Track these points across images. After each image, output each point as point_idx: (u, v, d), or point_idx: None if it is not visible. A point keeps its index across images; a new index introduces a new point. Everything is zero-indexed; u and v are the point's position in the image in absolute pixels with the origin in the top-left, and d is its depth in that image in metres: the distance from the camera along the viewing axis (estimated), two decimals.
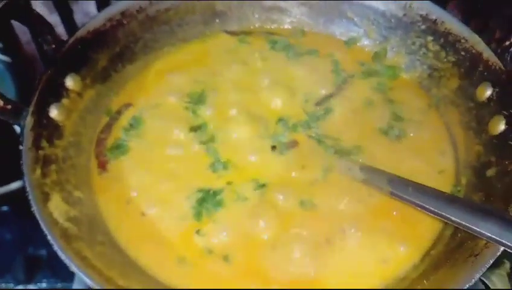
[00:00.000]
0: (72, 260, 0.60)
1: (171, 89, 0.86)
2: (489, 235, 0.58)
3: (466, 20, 0.90)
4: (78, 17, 1.10)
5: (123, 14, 0.86)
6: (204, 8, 0.94)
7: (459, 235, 0.68)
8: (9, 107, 0.68)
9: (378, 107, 0.85)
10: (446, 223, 0.70)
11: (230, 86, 0.87)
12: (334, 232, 0.70)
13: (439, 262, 0.66)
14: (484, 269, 0.59)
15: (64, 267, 0.60)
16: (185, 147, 0.79)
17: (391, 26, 0.92)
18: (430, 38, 0.87)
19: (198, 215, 0.72)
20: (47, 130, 0.72)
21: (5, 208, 1.04)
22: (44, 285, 0.96)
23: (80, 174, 0.74)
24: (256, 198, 0.73)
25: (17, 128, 0.93)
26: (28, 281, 0.95)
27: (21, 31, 1.04)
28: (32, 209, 0.63)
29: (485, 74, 0.78)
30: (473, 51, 0.81)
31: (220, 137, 0.80)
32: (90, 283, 0.59)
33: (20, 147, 0.67)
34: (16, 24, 0.75)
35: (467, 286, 0.59)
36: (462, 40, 0.82)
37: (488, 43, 0.80)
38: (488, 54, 0.78)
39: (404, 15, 0.89)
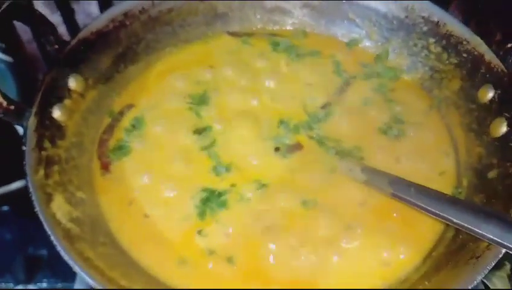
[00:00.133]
0: (75, 260, 0.60)
1: (173, 90, 0.86)
2: (491, 237, 0.58)
3: (466, 22, 0.90)
4: (80, 18, 1.10)
5: (126, 15, 0.86)
6: (207, 9, 0.94)
7: (460, 237, 0.68)
8: (12, 107, 0.68)
9: (379, 109, 0.85)
10: (447, 224, 0.70)
11: (233, 87, 0.87)
12: (335, 233, 0.70)
13: (440, 264, 0.67)
14: (486, 271, 0.59)
15: (65, 267, 0.60)
16: (188, 149, 0.79)
17: (393, 28, 0.91)
18: (432, 40, 0.87)
19: (202, 214, 0.72)
20: (50, 130, 0.72)
21: (5, 208, 1.04)
22: (44, 285, 0.95)
23: (82, 175, 0.74)
24: (259, 199, 0.73)
25: (19, 128, 0.94)
26: (28, 281, 0.95)
27: (22, 30, 1.04)
28: (36, 209, 0.63)
29: (487, 76, 0.78)
30: (475, 53, 0.81)
31: (223, 139, 0.80)
32: (92, 283, 0.59)
33: (24, 148, 0.67)
34: (17, 23, 0.75)
35: (469, 287, 0.59)
36: (464, 42, 0.83)
37: (488, 45, 0.80)
38: (490, 56, 0.79)
39: (406, 17, 0.89)
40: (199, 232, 0.70)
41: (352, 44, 0.95)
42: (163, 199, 0.74)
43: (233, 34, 0.96)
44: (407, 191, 0.68)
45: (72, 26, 1.08)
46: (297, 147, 0.79)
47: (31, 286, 0.95)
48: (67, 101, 0.76)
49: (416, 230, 0.71)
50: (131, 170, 0.77)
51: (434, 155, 0.80)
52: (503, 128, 0.73)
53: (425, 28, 0.88)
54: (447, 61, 0.86)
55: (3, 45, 1.00)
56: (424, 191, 0.68)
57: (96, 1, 1.07)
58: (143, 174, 0.76)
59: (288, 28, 0.98)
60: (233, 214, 0.72)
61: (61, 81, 0.76)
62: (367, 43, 0.95)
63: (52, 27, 0.77)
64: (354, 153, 0.79)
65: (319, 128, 0.82)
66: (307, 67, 0.90)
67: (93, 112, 0.81)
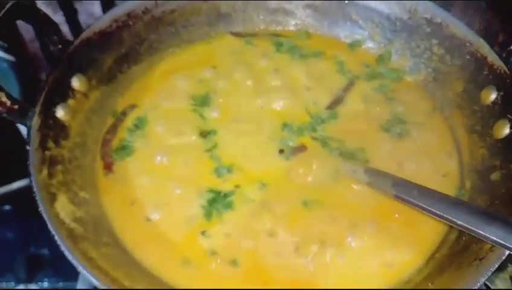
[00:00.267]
0: (79, 260, 0.60)
1: (175, 91, 0.86)
2: (494, 238, 0.58)
3: (469, 23, 0.90)
4: (82, 18, 1.10)
5: (129, 15, 0.86)
6: (210, 9, 0.94)
7: (463, 238, 0.68)
8: (16, 107, 0.67)
9: (382, 110, 0.85)
10: (451, 226, 0.70)
11: (236, 87, 0.87)
12: (338, 234, 0.70)
13: (443, 265, 0.67)
14: (489, 273, 0.59)
15: (66, 266, 0.60)
16: (190, 149, 0.79)
17: (396, 29, 0.91)
18: (435, 41, 0.87)
19: (208, 215, 0.72)
20: (53, 130, 0.72)
21: (7, 207, 1.04)
22: (45, 284, 0.96)
23: (86, 175, 0.74)
24: (261, 199, 0.73)
25: (21, 128, 0.94)
26: (30, 280, 0.96)
27: (24, 29, 1.04)
28: (39, 209, 0.63)
29: (490, 77, 0.78)
30: (478, 55, 0.81)
31: (226, 139, 0.80)
32: (96, 283, 0.59)
33: (27, 148, 0.67)
34: (19, 22, 0.75)
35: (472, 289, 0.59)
36: (467, 44, 0.83)
37: (491, 47, 0.80)
38: (493, 57, 0.79)
39: (409, 18, 0.89)
40: (203, 233, 0.70)
41: (355, 45, 0.95)
42: (166, 199, 0.74)
43: (236, 34, 0.96)
44: (411, 193, 0.68)
45: (75, 26, 1.08)
46: (301, 149, 0.79)
47: (32, 286, 0.95)
48: (70, 101, 0.76)
49: (419, 231, 0.71)
50: (134, 170, 0.77)
51: (437, 157, 0.80)
52: (506, 130, 0.73)
53: (428, 30, 0.88)
54: (450, 63, 0.86)
55: (6, 45, 1.00)
56: (427, 193, 0.67)
57: (99, 1, 1.07)
58: (145, 175, 0.76)
59: (291, 28, 0.98)
60: (238, 215, 0.72)
61: (65, 81, 0.76)
62: (370, 44, 0.95)
63: (55, 27, 0.77)
64: (357, 155, 0.78)
65: (322, 130, 0.82)
66: (311, 68, 0.90)
67: (97, 112, 0.81)
